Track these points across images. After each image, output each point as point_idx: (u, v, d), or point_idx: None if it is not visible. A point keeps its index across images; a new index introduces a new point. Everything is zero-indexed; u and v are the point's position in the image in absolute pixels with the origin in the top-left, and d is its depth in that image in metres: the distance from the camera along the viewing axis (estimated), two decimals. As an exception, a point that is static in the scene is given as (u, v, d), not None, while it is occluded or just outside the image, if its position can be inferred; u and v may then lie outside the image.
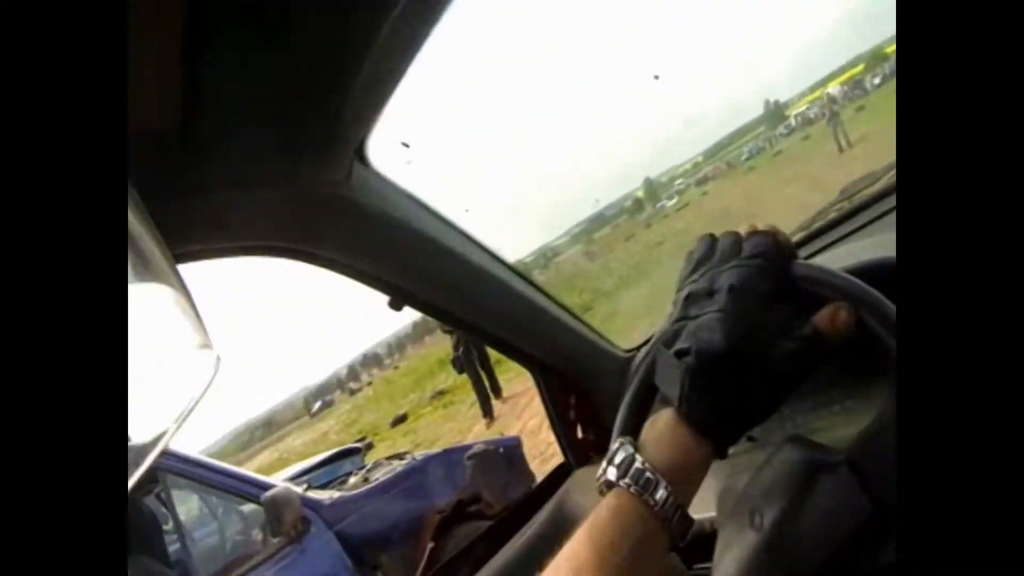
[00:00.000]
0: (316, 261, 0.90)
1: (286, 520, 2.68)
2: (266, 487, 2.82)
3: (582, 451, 1.33)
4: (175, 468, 2.77)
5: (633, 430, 0.75)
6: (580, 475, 1.31)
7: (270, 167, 0.79)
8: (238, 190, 0.78)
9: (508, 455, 3.37)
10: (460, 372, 7.21)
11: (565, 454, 1.33)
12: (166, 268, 0.40)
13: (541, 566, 1.12)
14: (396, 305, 1.02)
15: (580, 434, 1.32)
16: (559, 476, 1.33)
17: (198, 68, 0.59)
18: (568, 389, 1.29)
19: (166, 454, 2.70)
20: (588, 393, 1.30)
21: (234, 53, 0.61)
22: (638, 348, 1.32)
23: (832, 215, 1.17)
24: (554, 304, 1.15)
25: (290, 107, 0.71)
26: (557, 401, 1.29)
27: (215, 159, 0.73)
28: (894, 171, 1.07)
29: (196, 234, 0.81)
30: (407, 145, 1.21)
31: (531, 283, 1.10)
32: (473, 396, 8.34)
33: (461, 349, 6.95)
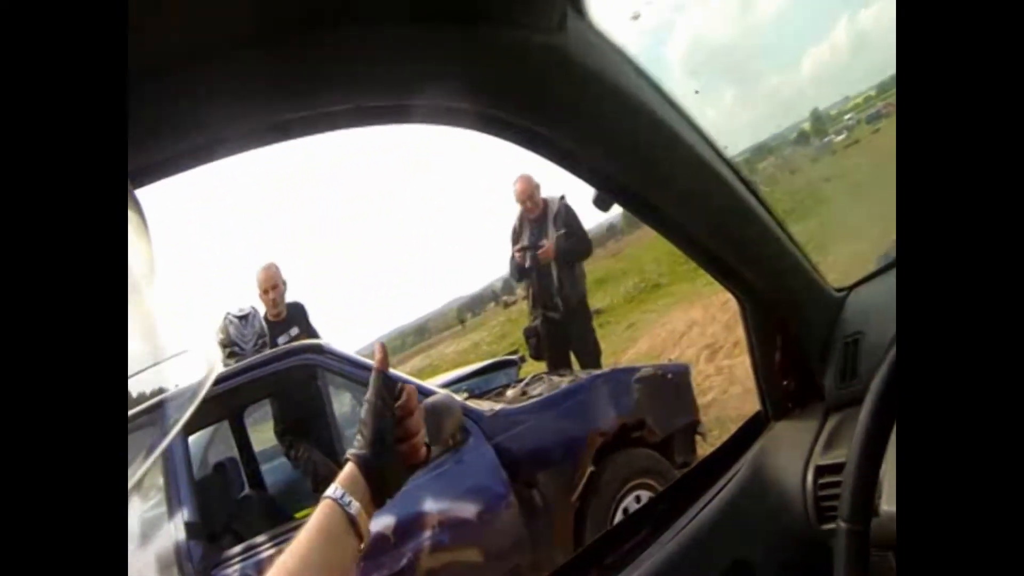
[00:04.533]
0: (512, 133, 0.70)
1: (446, 429, 2.69)
2: (425, 393, 2.73)
3: (782, 402, 1.14)
4: (332, 366, 2.76)
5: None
6: (778, 429, 1.12)
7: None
8: (429, 29, 0.57)
9: (676, 382, 3.19)
10: (535, 356, 4.34)
11: (763, 404, 1.13)
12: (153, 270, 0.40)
13: (736, 535, 0.93)
14: (603, 204, 0.82)
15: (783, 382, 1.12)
16: (752, 430, 1.14)
17: None
18: (776, 327, 1.07)
19: (324, 351, 2.75)
20: (795, 334, 1.09)
21: None
22: (851, 287, 1.12)
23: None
24: (775, 221, 0.92)
25: None
26: (763, 340, 1.08)
27: None
28: None
29: (387, 84, 0.61)
30: None
31: (754, 192, 0.87)
32: (629, 319, 7.99)
33: (538, 321, 4.22)
